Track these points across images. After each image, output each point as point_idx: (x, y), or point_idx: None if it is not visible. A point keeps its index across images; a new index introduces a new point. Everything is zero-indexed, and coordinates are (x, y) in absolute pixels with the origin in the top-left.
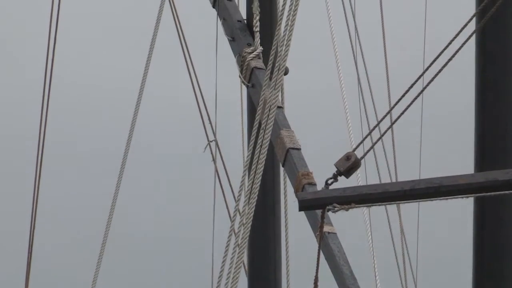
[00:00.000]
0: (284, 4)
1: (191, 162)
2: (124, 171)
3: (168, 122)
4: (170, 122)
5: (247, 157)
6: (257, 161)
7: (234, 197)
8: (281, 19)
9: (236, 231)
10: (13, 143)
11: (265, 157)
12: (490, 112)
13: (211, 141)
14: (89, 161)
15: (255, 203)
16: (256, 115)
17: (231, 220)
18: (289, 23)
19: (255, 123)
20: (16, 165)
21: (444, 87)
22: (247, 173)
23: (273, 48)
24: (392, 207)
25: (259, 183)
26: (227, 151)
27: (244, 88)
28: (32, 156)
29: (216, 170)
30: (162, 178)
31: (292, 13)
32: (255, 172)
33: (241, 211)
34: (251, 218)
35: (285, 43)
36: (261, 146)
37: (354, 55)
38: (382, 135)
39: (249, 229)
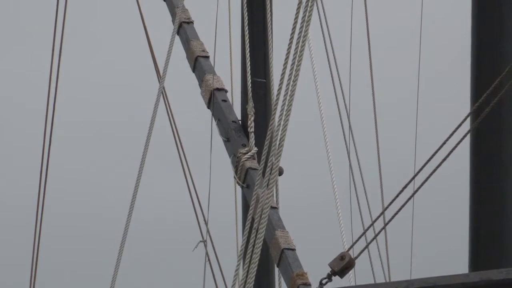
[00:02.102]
0: (276, 105)
1: (184, 261)
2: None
3: (163, 220)
4: (165, 220)
5: (239, 256)
6: (250, 261)
7: None
8: (273, 119)
9: None
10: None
11: (258, 257)
12: (484, 211)
13: (201, 241)
14: (83, 269)
15: None
16: (248, 214)
17: None
18: (282, 123)
19: (247, 223)
20: None
21: (437, 185)
22: (239, 272)
23: (265, 148)
24: None
25: (253, 283)
26: (221, 250)
27: (239, 188)
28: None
29: (212, 271)
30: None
31: (285, 113)
32: (248, 271)
33: None
34: None
35: (277, 144)
36: (253, 246)
37: (347, 151)
38: (376, 235)
39: None
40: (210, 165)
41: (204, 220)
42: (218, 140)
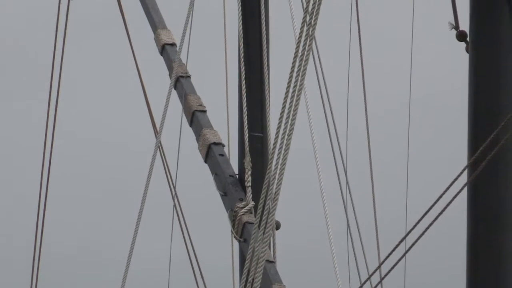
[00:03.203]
0: (272, 158)
1: None
2: None
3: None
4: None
5: None
6: None
7: None
8: (269, 173)
9: None
10: None
11: None
12: (482, 266)
13: None
14: None
15: None
16: (244, 268)
17: None
18: (277, 176)
19: (243, 276)
20: None
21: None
22: None
23: (261, 201)
24: None
25: None
26: None
27: (236, 242)
28: None
29: None
30: None
31: (280, 167)
32: None
33: None
34: None
35: (273, 197)
36: None
37: (345, 206)
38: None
39: None
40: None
41: (201, 275)
42: (215, 194)
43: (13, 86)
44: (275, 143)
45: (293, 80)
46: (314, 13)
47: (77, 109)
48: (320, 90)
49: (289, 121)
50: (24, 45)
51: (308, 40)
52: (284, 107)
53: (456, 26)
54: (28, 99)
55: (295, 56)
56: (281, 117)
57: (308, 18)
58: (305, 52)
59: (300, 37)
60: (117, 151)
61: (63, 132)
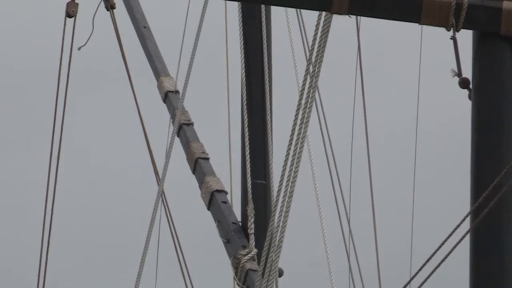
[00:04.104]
0: (276, 206)
1: None
2: None
3: None
4: None
5: None
6: None
7: None
8: (273, 220)
9: None
10: None
11: None
12: None
13: None
14: None
15: None
16: None
17: None
18: (281, 224)
19: None
20: None
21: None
22: None
23: (264, 249)
24: None
25: None
26: None
27: None
28: None
29: None
30: None
31: (283, 214)
32: None
33: None
34: None
35: (276, 245)
36: None
37: (347, 252)
38: None
39: None
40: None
41: None
42: (218, 241)
43: (13, 136)
44: (278, 191)
45: (297, 129)
46: (317, 64)
47: (78, 159)
48: (322, 135)
49: (293, 169)
50: (25, 93)
51: (312, 90)
52: (287, 155)
53: (459, 73)
54: (29, 150)
55: (299, 106)
56: (285, 165)
57: (311, 68)
58: (308, 102)
59: (303, 87)
60: (118, 201)
61: (64, 180)
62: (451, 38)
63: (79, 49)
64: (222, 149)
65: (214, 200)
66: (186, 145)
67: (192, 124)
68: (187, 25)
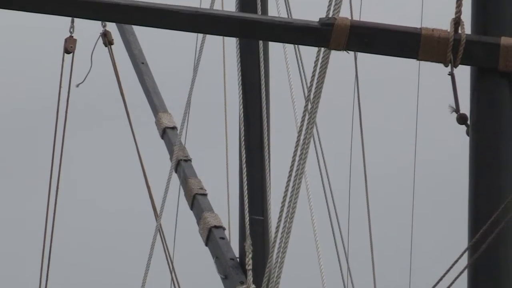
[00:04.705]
0: (274, 242)
1: None
2: None
3: None
4: None
5: None
6: None
7: None
8: (272, 257)
9: None
10: None
11: None
12: None
13: None
14: None
15: None
16: None
17: None
18: (279, 260)
19: None
20: None
21: None
22: None
23: (263, 286)
24: None
25: None
26: None
27: None
28: None
29: None
30: None
31: (282, 250)
32: None
33: None
34: None
35: (274, 281)
36: None
37: (344, 285)
38: None
39: None
40: None
41: None
42: (216, 277)
43: (10, 175)
44: (277, 227)
45: (295, 165)
46: (315, 101)
47: (77, 197)
48: (320, 171)
49: (291, 205)
50: (23, 130)
51: (309, 127)
52: (286, 191)
53: (457, 109)
54: (28, 189)
55: (297, 142)
56: (283, 201)
57: (309, 105)
58: (307, 139)
59: (301, 124)
60: (116, 238)
61: (63, 221)
62: (449, 74)
63: (77, 86)
64: (220, 185)
65: (212, 236)
66: (184, 181)
67: (190, 160)
68: (185, 60)
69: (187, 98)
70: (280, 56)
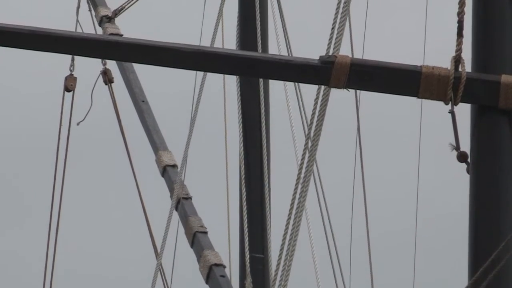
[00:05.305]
0: (274, 281)
1: None
2: None
3: None
4: None
5: None
6: None
7: None
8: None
9: None
10: None
11: None
12: None
13: None
14: None
15: None
16: None
17: None
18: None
19: None
20: None
21: None
22: None
23: None
24: None
25: None
26: None
27: None
28: None
29: None
30: None
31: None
32: None
33: None
34: None
35: None
36: None
37: None
38: None
39: None
40: None
41: None
42: None
43: (6, 220)
44: (277, 265)
45: (295, 202)
46: (316, 138)
47: (76, 244)
48: (321, 209)
49: (291, 243)
50: (23, 170)
51: (310, 164)
52: (286, 229)
53: (457, 147)
54: (25, 234)
55: (297, 180)
56: (284, 238)
57: (309, 144)
58: (307, 177)
59: (302, 162)
60: (116, 269)
61: (63, 269)
62: (449, 112)
63: (77, 124)
64: (220, 222)
65: (212, 274)
66: (185, 219)
67: (190, 198)
68: (185, 98)
69: (188, 136)
70: (280, 92)
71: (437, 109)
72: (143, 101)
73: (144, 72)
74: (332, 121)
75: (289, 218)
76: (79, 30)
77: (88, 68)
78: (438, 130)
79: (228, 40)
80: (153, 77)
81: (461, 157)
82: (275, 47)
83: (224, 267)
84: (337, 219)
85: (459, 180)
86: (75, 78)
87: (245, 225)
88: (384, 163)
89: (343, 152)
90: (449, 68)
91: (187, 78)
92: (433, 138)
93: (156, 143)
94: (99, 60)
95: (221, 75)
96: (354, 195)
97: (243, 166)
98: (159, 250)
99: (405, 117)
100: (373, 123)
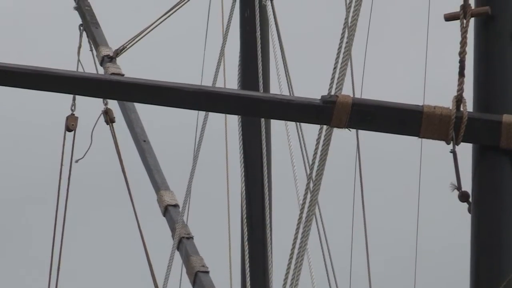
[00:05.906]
0: None
1: None
2: None
3: None
4: None
5: None
6: None
7: None
8: None
9: None
10: None
11: None
12: None
13: None
14: None
15: None
16: None
17: None
18: None
19: None
20: None
21: None
22: None
23: None
24: None
25: None
26: None
27: None
28: None
29: None
30: None
31: None
32: None
33: None
34: None
35: None
36: None
37: None
38: None
39: None
40: None
41: None
42: None
43: (9, 259)
44: None
45: (297, 243)
46: (317, 180)
47: (77, 284)
48: (322, 249)
49: (294, 284)
50: (24, 210)
51: (311, 205)
52: (288, 269)
53: (459, 187)
54: (28, 266)
55: (299, 221)
56: (286, 279)
57: (311, 185)
58: (309, 218)
59: (303, 203)
60: None
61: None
62: (450, 152)
63: (76, 161)
64: (222, 262)
65: None
66: (186, 259)
67: (192, 237)
68: (187, 137)
69: (190, 176)
70: (282, 132)
71: (438, 142)
72: (144, 141)
73: (145, 111)
74: (332, 154)
75: (290, 258)
76: (80, 69)
77: (90, 106)
78: (439, 163)
79: (229, 80)
80: (154, 109)
81: (463, 197)
82: (277, 86)
83: None
84: (338, 256)
85: (459, 213)
86: (76, 118)
87: (247, 265)
88: (385, 201)
89: (342, 184)
90: (450, 108)
91: (188, 116)
92: (434, 177)
93: (158, 182)
94: (101, 100)
95: (222, 114)
96: (355, 236)
97: (245, 206)
98: None
99: (406, 149)
100: (373, 154)
